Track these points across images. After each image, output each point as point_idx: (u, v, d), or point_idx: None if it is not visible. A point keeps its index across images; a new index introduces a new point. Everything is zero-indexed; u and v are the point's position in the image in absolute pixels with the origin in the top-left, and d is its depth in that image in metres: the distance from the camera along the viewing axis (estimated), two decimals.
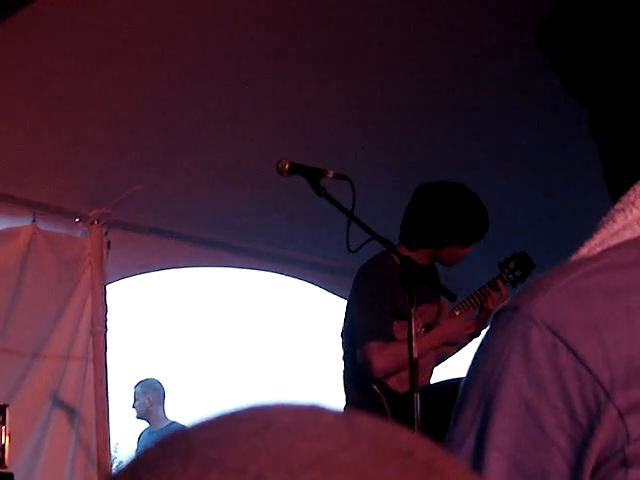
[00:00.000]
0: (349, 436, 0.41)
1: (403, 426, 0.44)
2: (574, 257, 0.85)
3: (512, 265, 3.61)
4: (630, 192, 0.87)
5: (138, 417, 6.01)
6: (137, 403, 6.00)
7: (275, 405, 0.43)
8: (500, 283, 3.50)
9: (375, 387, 3.27)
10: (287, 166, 2.86)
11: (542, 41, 0.95)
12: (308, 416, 0.42)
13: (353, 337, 3.38)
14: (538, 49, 0.94)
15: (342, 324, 3.47)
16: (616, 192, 0.90)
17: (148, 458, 0.41)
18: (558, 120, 3.78)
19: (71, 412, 4.22)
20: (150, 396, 6.02)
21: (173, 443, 0.41)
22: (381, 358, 3.23)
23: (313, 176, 2.85)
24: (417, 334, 2.89)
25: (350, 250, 2.82)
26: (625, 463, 0.76)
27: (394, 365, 3.25)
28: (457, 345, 3.52)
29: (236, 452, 0.39)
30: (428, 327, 3.42)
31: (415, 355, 2.76)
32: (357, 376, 3.35)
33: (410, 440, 0.42)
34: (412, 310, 2.79)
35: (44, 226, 4.25)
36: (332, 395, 4.08)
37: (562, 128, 3.83)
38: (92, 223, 4.36)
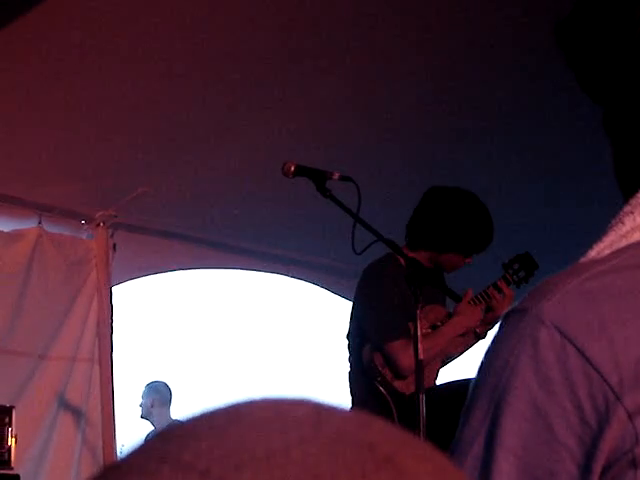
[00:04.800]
0: (312, 430, 0.41)
1: (382, 421, 0.44)
2: (583, 259, 0.85)
3: (516, 266, 3.61)
4: (639, 194, 0.87)
5: (141, 416, 6.13)
6: (141, 402, 6.14)
7: (254, 401, 0.44)
8: (504, 284, 3.50)
9: (381, 388, 3.27)
10: (293, 168, 2.87)
11: (559, 39, 0.96)
12: (281, 410, 0.43)
13: (359, 339, 3.38)
14: (547, 54, 0.95)
15: (348, 326, 3.47)
16: (628, 193, 0.90)
17: (130, 454, 0.43)
18: (563, 121, 3.78)
19: (77, 413, 4.23)
20: (152, 398, 6.11)
21: (152, 442, 0.43)
22: (408, 356, 3.22)
23: (319, 178, 2.86)
24: (423, 335, 2.89)
25: (355, 252, 2.82)
26: (634, 464, 0.76)
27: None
28: (463, 346, 3.52)
29: (194, 447, 0.41)
30: (434, 328, 3.42)
31: (422, 356, 2.76)
32: (363, 377, 3.35)
33: (376, 434, 0.43)
34: (418, 311, 2.79)
35: (50, 228, 4.26)
36: (338, 396, 4.07)
37: (567, 129, 3.83)
38: (98, 225, 4.37)
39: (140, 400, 6.17)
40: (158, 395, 6.16)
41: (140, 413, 6.13)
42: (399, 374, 3.26)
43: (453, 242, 3.37)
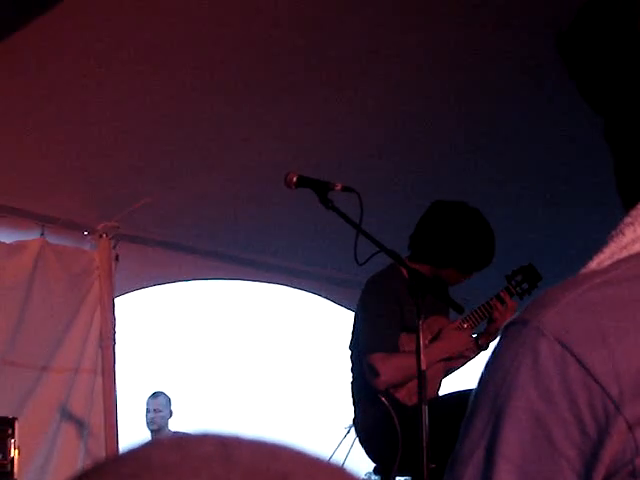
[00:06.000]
0: (223, 468, 0.41)
1: (290, 447, 0.44)
2: (583, 270, 0.85)
3: (519, 277, 3.60)
4: (639, 206, 0.88)
5: (153, 430, 6.11)
6: (148, 415, 6.13)
7: (155, 443, 0.43)
8: (507, 295, 3.49)
9: (383, 399, 3.26)
10: (295, 179, 2.87)
11: (560, 50, 0.96)
12: (186, 450, 0.42)
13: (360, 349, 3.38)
14: (553, 69, 0.95)
15: (350, 336, 3.47)
16: (628, 204, 0.90)
17: None
18: (566, 133, 3.78)
19: (80, 425, 4.23)
20: (161, 410, 6.11)
21: None
22: (386, 369, 3.23)
23: (321, 189, 2.85)
24: (425, 346, 2.89)
25: (358, 262, 2.82)
26: (634, 475, 0.76)
27: (399, 377, 3.24)
28: (464, 357, 3.51)
29: None
30: (434, 339, 3.41)
31: (423, 367, 2.76)
32: (366, 388, 3.34)
33: (289, 463, 0.42)
34: (420, 322, 2.79)
35: (53, 239, 4.26)
36: (341, 408, 4.07)
37: (569, 140, 3.83)
38: (101, 236, 4.37)
39: (146, 412, 6.15)
40: (166, 406, 6.17)
41: (153, 425, 6.10)
42: (374, 386, 3.26)
43: (451, 259, 3.35)
